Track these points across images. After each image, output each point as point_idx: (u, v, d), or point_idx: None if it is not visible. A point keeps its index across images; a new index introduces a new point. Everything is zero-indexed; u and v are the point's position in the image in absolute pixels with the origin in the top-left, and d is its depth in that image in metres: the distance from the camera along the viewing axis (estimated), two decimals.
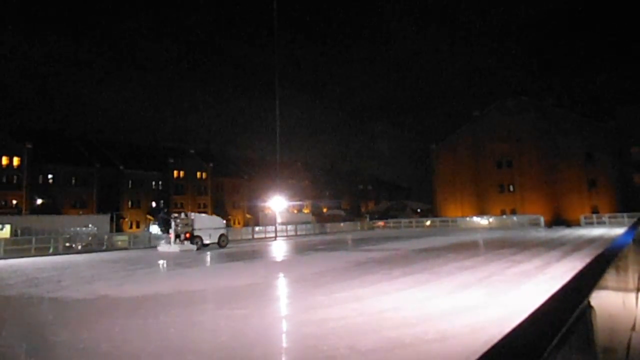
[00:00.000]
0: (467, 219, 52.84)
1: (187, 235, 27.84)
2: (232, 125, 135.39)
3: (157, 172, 66.01)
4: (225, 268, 18.07)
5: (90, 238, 31.94)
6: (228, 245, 30.23)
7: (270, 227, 43.48)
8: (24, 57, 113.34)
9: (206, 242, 28.61)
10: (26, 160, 52.79)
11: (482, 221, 50.84)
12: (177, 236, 27.76)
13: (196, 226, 28.46)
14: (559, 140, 53.03)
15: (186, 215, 29.74)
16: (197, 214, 31.21)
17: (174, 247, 27.28)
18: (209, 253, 25.74)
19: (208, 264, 20.09)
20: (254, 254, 24.44)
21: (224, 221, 33.40)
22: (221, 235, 29.92)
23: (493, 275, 12.65)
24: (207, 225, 29.59)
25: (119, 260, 22.35)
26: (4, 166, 51.75)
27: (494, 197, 57.09)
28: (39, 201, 53.44)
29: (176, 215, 30.06)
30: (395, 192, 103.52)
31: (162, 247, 28.32)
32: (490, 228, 46.32)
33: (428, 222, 55.13)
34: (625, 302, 4.20)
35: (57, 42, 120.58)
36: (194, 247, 27.49)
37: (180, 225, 28.01)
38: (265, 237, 40.91)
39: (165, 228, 29.79)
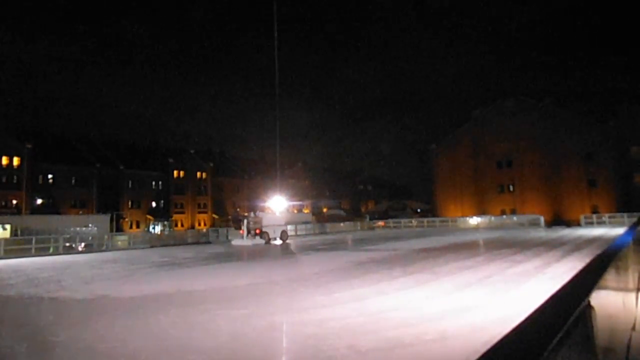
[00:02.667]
0: (467, 218, 52.84)
1: (257, 231, 31.88)
2: (232, 125, 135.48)
3: (157, 172, 66.03)
4: (225, 268, 18.07)
5: (90, 238, 31.97)
6: (230, 245, 31.68)
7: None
8: (24, 57, 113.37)
9: (272, 237, 32.66)
10: (26, 160, 52.80)
11: (482, 221, 50.84)
12: (249, 232, 31.90)
13: (264, 223, 32.53)
14: (559, 140, 53.03)
15: (255, 214, 34.00)
16: (264, 213, 35.19)
17: (246, 242, 31.25)
18: (272, 246, 29.80)
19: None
20: (254, 254, 24.43)
21: (284, 219, 37.46)
22: (282, 232, 34.12)
23: (493, 275, 12.65)
24: (272, 222, 33.79)
25: (119, 260, 22.34)
26: (4, 166, 51.76)
27: (494, 197, 57.08)
28: (39, 201, 53.47)
29: (246, 214, 34.85)
30: (395, 192, 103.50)
31: (236, 242, 32.39)
32: (490, 228, 46.31)
33: (427, 222, 55.13)
34: (625, 302, 4.20)
35: (56, 42, 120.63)
36: (263, 241, 31.60)
37: (251, 222, 32.27)
38: None
39: (237, 225, 34.58)
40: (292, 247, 28.35)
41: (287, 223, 47.40)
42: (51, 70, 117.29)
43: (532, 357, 1.34)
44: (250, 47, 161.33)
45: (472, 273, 13.15)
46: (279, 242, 33.19)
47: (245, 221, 32.84)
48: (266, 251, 26.30)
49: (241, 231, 33.11)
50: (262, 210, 62.54)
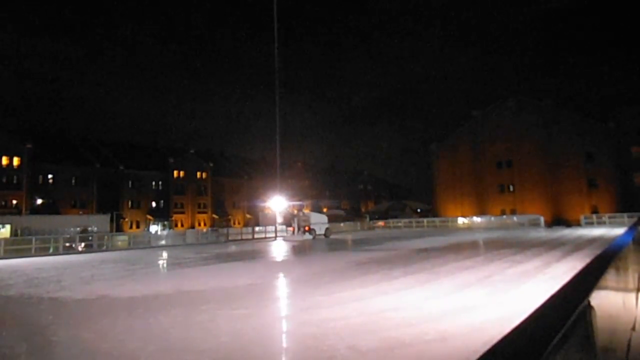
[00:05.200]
0: (467, 219, 52.87)
1: (307, 228, 36.62)
2: (232, 125, 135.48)
3: (157, 172, 65.98)
4: (225, 268, 18.07)
5: (90, 238, 31.98)
6: (230, 245, 32.35)
7: (271, 227, 43.50)
8: (24, 57, 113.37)
9: (318, 233, 36.93)
10: (26, 160, 52.78)
11: (482, 221, 50.85)
12: (299, 229, 36.83)
13: (311, 221, 37.08)
14: (559, 140, 53.02)
15: (304, 213, 38.97)
16: (311, 212, 40.39)
17: (297, 237, 36.17)
18: (318, 241, 33.93)
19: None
20: (254, 254, 24.44)
21: (327, 217, 41.13)
22: (326, 229, 38.20)
23: (493, 275, 12.65)
24: (318, 220, 38.12)
25: (119, 260, 22.34)
26: (4, 166, 51.73)
27: (494, 197, 57.07)
28: (39, 201, 53.43)
29: (295, 213, 39.14)
30: (395, 192, 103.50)
31: (288, 237, 37.71)
32: (490, 228, 46.32)
33: (427, 222, 55.13)
34: (625, 302, 4.19)
35: (57, 42, 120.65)
36: (311, 236, 36.10)
37: (301, 220, 37.26)
38: (266, 237, 40.91)
39: (288, 223, 39.54)
40: (334, 242, 32.15)
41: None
42: (51, 70, 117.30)
43: (532, 357, 1.34)
44: (251, 47, 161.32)
45: (472, 273, 13.15)
46: (305, 236, 37.16)
47: (295, 219, 37.59)
48: (316, 244, 30.27)
49: (291, 228, 37.86)
50: (263, 210, 62.86)
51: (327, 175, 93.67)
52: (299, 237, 36.08)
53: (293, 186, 75.11)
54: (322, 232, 37.56)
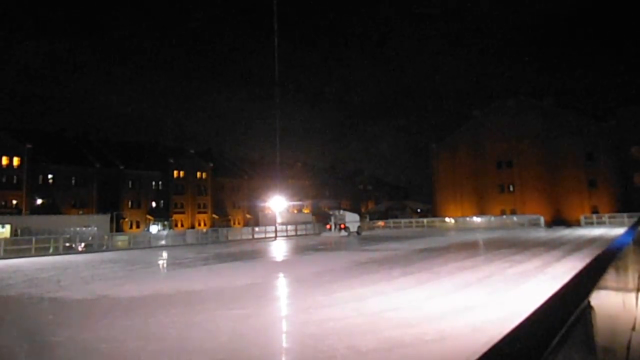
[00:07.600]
0: (467, 218, 52.88)
1: (342, 226, 40.00)
2: (232, 125, 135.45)
3: (157, 172, 65.97)
4: (225, 268, 18.07)
5: (90, 238, 31.96)
6: (230, 245, 32.66)
7: (270, 227, 43.48)
8: (24, 57, 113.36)
9: (352, 230, 40.17)
10: (26, 160, 52.78)
11: (482, 221, 50.87)
12: (335, 226, 40.34)
13: (346, 220, 40.66)
14: (559, 140, 53.01)
15: (340, 213, 42.57)
16: (346, 212, 43.68)
17: (333, 234, 39.80)
18: (348, 238, 36.89)
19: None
20: (254, 254, 24.44)
21: (359, 216, 44.49)
22: (358, 227, 41.65)
23: (493, 275, 12.65)
24: (351, 219, 41.60)
25: (119, 260, 22.34)
26: (4, 166, 51.73)
27: (494, 197, 57.07)
28: (39, 201, 53.42)
29: (331, 212, 43.58)
30: (395, 192, 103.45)
31: (325, 233, 41.22)
32: (489, 228, 46.32)
33: (427, 222, 55.13)
34: (625, 302, 4.19)
35: (57, 42, 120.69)
36: (346, 233, 39.29)
37: (337, 219, 40.86)
38: (266, 237, 40.90)
39: (325, 221, 43.24)
40: (366, 238, 34.70)
41: (287, 223, 47.88)
42: (51, 70, 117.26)
43: (532, 357, 1.34)
44: (251, 47, 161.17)
45: (472, 273, 13.15)
46: (336, 233, 40.15)
47: (332, 218, 41.45)
48: (348, 240, 33.40)
49: (328, 226, 41.36)
50: (263, 210, 63.02)
51: (327, 175, 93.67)
52: (336, 234, 39.46)
53: (293, 186, 75.10)
54: (355, 229, 40.70)
